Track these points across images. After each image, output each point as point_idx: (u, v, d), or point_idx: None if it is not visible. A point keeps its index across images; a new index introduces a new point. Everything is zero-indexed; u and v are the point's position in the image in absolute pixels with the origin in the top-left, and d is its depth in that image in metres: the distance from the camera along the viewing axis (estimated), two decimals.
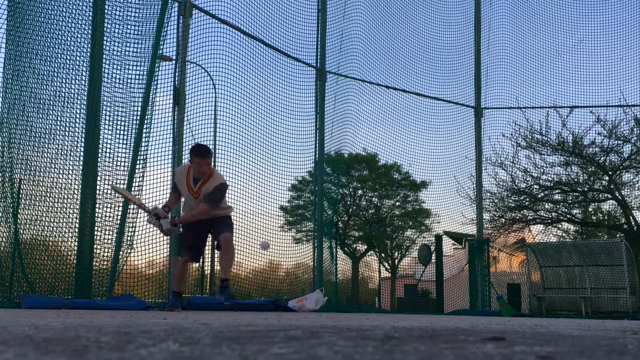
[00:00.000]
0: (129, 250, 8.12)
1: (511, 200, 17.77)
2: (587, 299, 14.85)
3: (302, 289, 11.60)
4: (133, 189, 8.13)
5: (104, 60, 8.14)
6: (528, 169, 17.33)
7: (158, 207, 6.72)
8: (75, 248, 7.84)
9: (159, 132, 8.82)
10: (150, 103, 8.37)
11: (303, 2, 12.07)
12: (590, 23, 16.19)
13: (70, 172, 7.88)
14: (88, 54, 8.07)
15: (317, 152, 12.05)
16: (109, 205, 8.00)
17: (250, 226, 10.23)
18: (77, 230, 7.83)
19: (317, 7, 12.29)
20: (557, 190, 17.81)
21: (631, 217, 17.30)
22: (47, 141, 7.75)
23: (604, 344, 1.98)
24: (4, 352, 1.35)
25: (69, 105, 7.93)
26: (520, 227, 18.17)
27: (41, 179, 7.72)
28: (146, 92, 8.33)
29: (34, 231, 7.60)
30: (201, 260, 7.69)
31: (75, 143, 7.93)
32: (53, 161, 7.79)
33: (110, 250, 7.97)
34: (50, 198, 7.67)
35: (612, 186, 17.13)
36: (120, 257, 8.03)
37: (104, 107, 8.15)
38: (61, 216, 7.72)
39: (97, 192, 7.96)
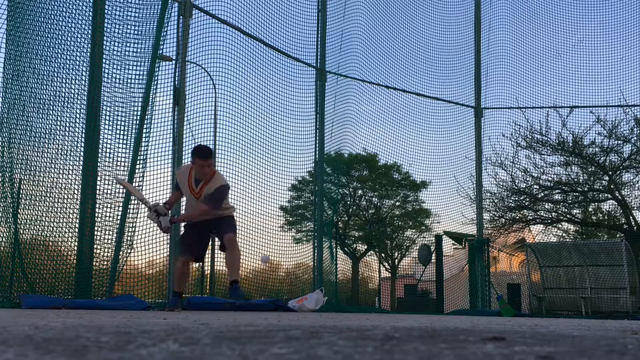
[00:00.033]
0: (129, 250, 8.12)
1: (511, 200, 17.78)
2: (587, 299, 14.85)
3: (302, 289, 11.60)
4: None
5: (104, 60, 8.14)
6: (528, 169, 17.35)
7: (159, 203, 6.74)
8: (75, 248, 7.84)
9: (159, 132, 8.83)
10: (150, 103, 8.37)
11: (303, 2, 12.07)
12: (590, 23, 16.20)
13: (70, 172, 7.88)
14: (88, 54, 8.07)
15: (317, 152, 12.05)
16: (109, 205, 8.00)
17: (250, 226, 10.24)
18: (77, 230, 7.83)
19: (317, 7, 12.29)
20: (557, 190, 17.81)
21: (631, 217, 17.30)
22: (47, 141, 7.75)
23: (604, 344, 1.98)
24: (4, 352, 1.35)
25: (69, 105, 7.93)
26: (520, 227, 18.17)
27: (41, 179, 7.72)
28: (146, 92, 8.33)
29: (34, 231, 7.60)
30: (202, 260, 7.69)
31: (75, 143, 7.94)
32: (53, 161, 7.79)
33: (110, 250, 7.97)
34: (50, 198, 7.67)
35: (612, 186, 17.13)
36: (120, 257, 8.02)
37: (104, 107, 8.15)
38: (61, 216, 7.72)
39: (97, 192, 7.95)
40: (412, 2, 14.91)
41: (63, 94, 7.89)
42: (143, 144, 8.31)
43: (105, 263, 7.98)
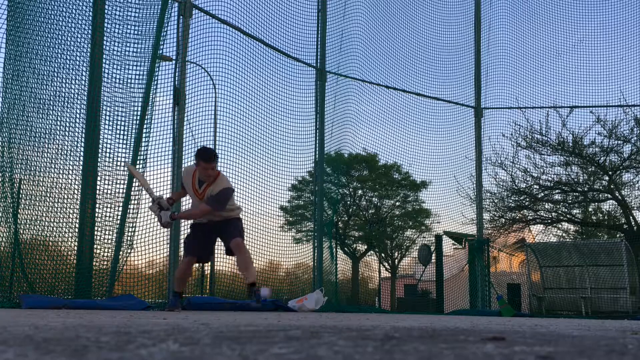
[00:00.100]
0: (129, 250, 8.12)
1: (511, 200, 17.78)
2: (587, 299, 14.85)
3: (302, 289, 11.60)
4: (133, 188, 8.14)
5: (104, 60, 8.14)
6: (528, 169, 17.35)
7: (163, 197, 6.77)
8: (75, 248, 7.84)
9: (159, 132, 8.83)
10: (150, 103, 8.37)
11: (303, 2, 12.07)
12: (590, 23, 16.20)
13: (70, 172, 7.88)
14: (88, 54, 8.06)
15: (317, 152, 12.04)
16: (109, 205, 8.00)
17: (250, 226, 10.23)
18: (77, 230, 7.83)
19: (317, 7, 12.29)
20: (557, 190, 17.82)
21: (631, 217, 17.30)
22: (47, 141, 7.75)
23: (604, 344, 1.98)
24: (4, 352, 1.35)
25: (69, 105, 7.93)
26: (520, 227, 18.18)
27: (41, 179, 7.72)
28: (146, 92, 8.33)
29: (34, 231, 7.60)
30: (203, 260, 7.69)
31: (75, 143, 7.93)
32: (53, 161, 7.79)
33: (110, 250, 7.97)
34: (50, 198, 7.67)
35: (612, 186, 17.13)
36: (120, 257, 8.02)
37: (104, 107, 8.15)
38: (61, 216, 7.71)
39: (97, 192, 7.95)
40: (412, 2, 14.91)
41: (63, 94, 7.89)
42: (143, 144, 8.31)
43: (105, 263, 7.97)
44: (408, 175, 22.15)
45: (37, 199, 7.60)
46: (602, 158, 16.95)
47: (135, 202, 8.12)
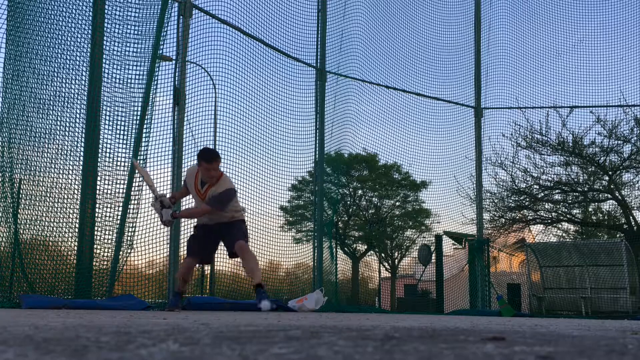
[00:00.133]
0: (129, 250, 8.12)
1: (511, 200, 17.79)
2: (587, 299, 14.85)
3: (302, 289, 11.60)
4: (133, 188, 8.14)
5: (104, 60, 8.14)
6: (528, 169, 17.35)
7: (166, 195, 6.78)
8: (75, 248, 7.84)
9: (159, 132, 8.83)
10: (150, 103, 8.37)
11: (303, 2, 12.07)
12: (590, 23, 16.20)
13: (70, 172, 7.88)
14: (88, 54, 8.06)
15: (317, 152, 12.04)
16: (109, 205, 8.00)
17: (251, 226, 10.22)
18: (77, 230, 7.83)
19: (317, 7, 12.29)
20: (557, 190, 17.82)
21: (631, 217, 17.31)
22: (47, 141, 7.75)
23: (604, 344, 1.98)
24: (4, 352, 1.35)
25: (69, 105, 7.92)
26: (520, 227, 18.18)
27: (41, 179, 7.72)
28: (146, 92, 8.33)
29: (34, 231, 7.60)
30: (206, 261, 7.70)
31: (75, 143, 7.93)
32: (53, 161, 7.79)
33: (110, 250, 7.97)
34: (50, 198, 7.66)
35: (612, 186, 17.14)
36: (120, 257, 8.02)
37: (104, 107, 8.15)
38: (61, 216, 7.71)
39: (97, 192, 7.95)
40: (412, 2, 14.91)
41: (63, 94, 7.89)
42: (143, 144, 8.31)
43: (105, 263, 7.97)
44: (408, 175, 22.16)
45: (37, 199, 7.60)
46: (602, 158, 16.96)
47: (135, 202, 8.12)
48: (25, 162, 7.59)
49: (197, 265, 8.35)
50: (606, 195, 17.57)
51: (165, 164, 8.88)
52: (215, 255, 7.74)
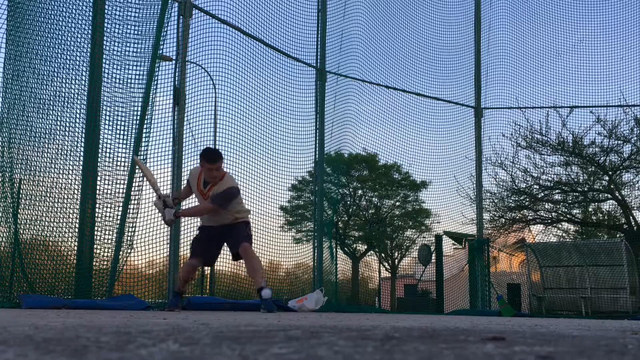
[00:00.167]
0: (129, 250, 8.12)
1: (511, 200, 17.78)
2: (587, 299, 14.85)
3: (302, 289, 11.60)
4: (133, 189, 8.14)
5: (104, 60, 8.13)
6: (528, 169, 17.35)
7: (169, 195, 6.79)
8: (75, 248, 7.84)
9: (159, 132, 8.83)
10: (150, 103, 8.37)
11: (303, 2, 12.07)
12: (590, 23, 16.20)
13: (70, 172, 7.88)
14: (88, 54, 8.06)
15: (317, 152, 12.04)
16: (109, 205, 8.00)
17: (251, 226, 10.21)
18: (77, 230, 7.83)
19: (317, 7, 12.29)
20: (557, 190, 17.82)
21: (631, 217, 17.31)
22: (47, 141, 7.75)
23: (604, 344, 1.98)
24: (4, 352, 1.35)
25: (69, 105, 7.92)
26: (520, 227, 18.18)
27: (41, 179, 7.72)
28: (146, 92, 8.33)
29: (34, 231, 7.60)
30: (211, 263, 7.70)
31: (75, 143, 7.93)
32: (53, 161, 7.79)
33: (110, 250, 7.97)
34: (50, 198, 7.66)
35: (612, 186, 17.13)
36: (120, 257, 8.02)
37: (104, 107, 8.15)
38: (61, 216, 7.71)
39: (97, 192, 7.95)
40: (412, 2, 14.91)
41: (63, 94, 7.89)
42: (143, 144, 8.31)
43: (105, 263, 7.97)
44: (408, 175, 22.17)
45: (37, 199, 7.59)
46: (602, 158, 16.95)
47: (135, 202, 8.12)
48: (25, 162, 7.59)
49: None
50: (606, 195, 17.57)
51: (165, 164, 8.89)
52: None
